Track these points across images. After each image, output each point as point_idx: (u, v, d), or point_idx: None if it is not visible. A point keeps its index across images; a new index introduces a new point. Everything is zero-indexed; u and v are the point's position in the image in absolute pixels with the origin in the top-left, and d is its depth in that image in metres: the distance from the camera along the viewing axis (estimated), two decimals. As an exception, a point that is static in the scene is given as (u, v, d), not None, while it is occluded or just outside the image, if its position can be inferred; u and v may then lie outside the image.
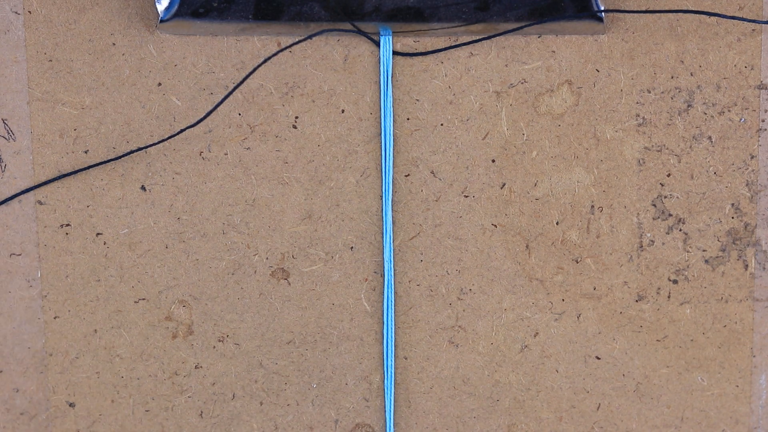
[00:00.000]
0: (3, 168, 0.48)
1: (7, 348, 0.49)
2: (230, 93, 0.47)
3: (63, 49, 0.47)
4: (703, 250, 0.49)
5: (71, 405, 0.50)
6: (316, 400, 0.50)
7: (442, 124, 0.48)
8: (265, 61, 0.47)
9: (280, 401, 0.50)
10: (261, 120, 0.48)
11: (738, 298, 0.49)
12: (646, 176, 0.48)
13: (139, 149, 0.47)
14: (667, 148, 0.48)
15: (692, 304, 0.49)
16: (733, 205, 0.48)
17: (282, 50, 0.47)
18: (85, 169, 0.48)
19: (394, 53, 0.47)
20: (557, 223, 0.49)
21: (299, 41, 0.46)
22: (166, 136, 0.47)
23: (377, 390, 0.50)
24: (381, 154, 0.48)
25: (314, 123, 0.48)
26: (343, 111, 0.48)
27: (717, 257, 0.49)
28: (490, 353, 0.50)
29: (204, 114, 0.47)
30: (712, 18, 0.47)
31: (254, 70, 0.46)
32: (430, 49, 0.47)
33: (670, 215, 0.49)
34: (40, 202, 0.48)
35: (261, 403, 0.50)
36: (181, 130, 0.47)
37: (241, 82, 0.47)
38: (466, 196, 0.48)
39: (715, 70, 0.47)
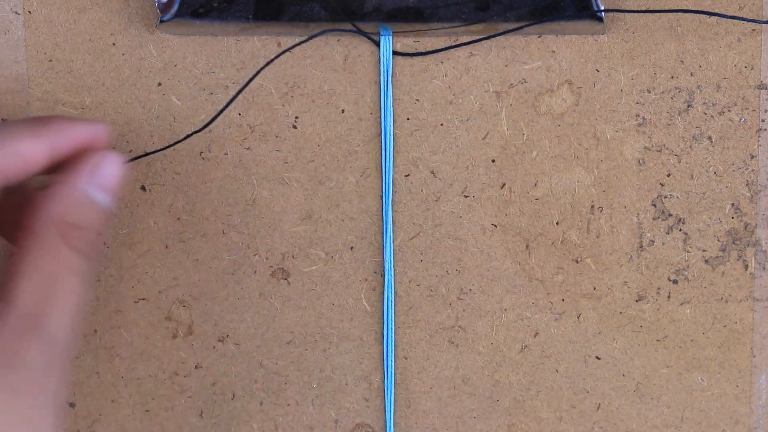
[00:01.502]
0: (3, 168, 0.48)
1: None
2: (234, 97, 0.47)
3: (63, 49, 0.47)
4: (703, 250, 0.49)
5: (71, 405, 0.50)
6: (316, 400, 0.50)
7: (442, 124, 0.48)
8: (267, 63, 0.47)
9: (280, 401, 0.50)
10: (261, 120, 0.48)
11: (738, 298, 0.49)
12: (646, 176, 0.48)
13: (149, 154, 0.47)
14: (667, 148, 0.48)
15: (692, 304, 0.49)
16: (733, 205, 0.48)
17: (284, 52, 0.47)
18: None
19: (394, 53, 0.47)
20: (557, 223, 0.49)
21: (300, 42, 0.46)
22: (173, 141, 0.47)
23: (377, 390, 0.50)
24: (381, 154, 0.48)
25: (314, 123, 0.48)
26: (343, 111, 0.48)
27: (717, 257, 0.49)
28: (490, 353, 0.50)
29: (210, 117, 0.47)
30: (712, 18, 0.47)
31: (257, 73, 0.46)
32: (430, 49, 0.47)
33: (670, 215, 0.49)
34: (40, 202, 0.48)
35: (261, 403, 0.50)
36: (187, 136, 0.47)
37: (245, 86, 0.47)
38: (466, 196, 0.48)
39: (715, 70, 0.47)
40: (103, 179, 0.38)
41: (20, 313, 0.35)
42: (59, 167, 0.39)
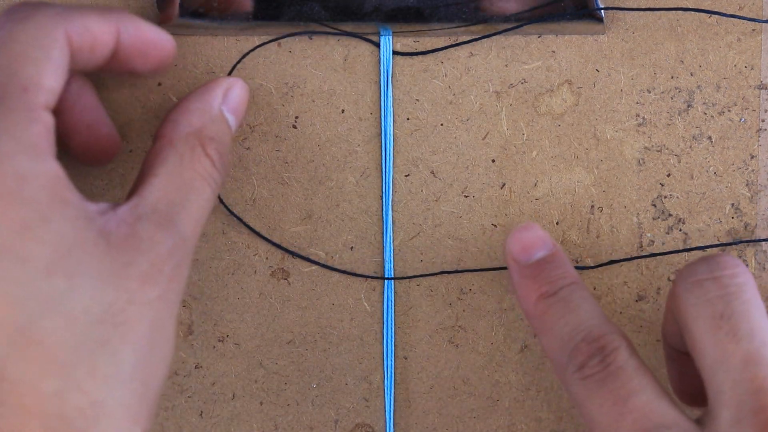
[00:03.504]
0: (3, 168, 0.48)
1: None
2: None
3: (63, 49, 0.47)
4: (703, 250, 0.49)
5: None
6: (316, 400, 0.50)
7: (442, 124, 0.48)
8: (242, 57, 0.47)
9: (280, 401, 0.50)
10: (261, 120, 0.48)
11: (738, 298, 0.49)
12: (646, 176, 0.48)
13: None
14: (667, 148, 0.48)
15: (692, 304, 0.49)
16: (733, 205, 0.48)
17: (256, 48, 0.47)
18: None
19: (394, 53, 0.47)
20: (557, 223, 0.49)
21: (276, 39, 0.46)
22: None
23: (377, 390, 0.50)
24: (381, 154, 0.48)
25: (314, 123, 0.48)
26: (343, 111, 0.48)
27: (717, 257, 0.49)
28: (490, 353, 0.50)
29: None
30: (712, 18, 0.47)
31: (236, 64, 0.47)
32: (430, 49, 0.47)
33: (670, 215, 0.49)
34: (40, 202, 0.48)
35: (261, 403, 0.50)
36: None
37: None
38: (466, 196, 0.48)
39: (715, 70, 0.47)
40: (232, 101, 0.42)
41: (154, 208, 0.36)
42: (123, 62, 0.41)
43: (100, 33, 0.39)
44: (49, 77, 0.36)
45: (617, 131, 0.48)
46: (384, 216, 0.48)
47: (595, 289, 0.49)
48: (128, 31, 0.40)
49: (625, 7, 0.47)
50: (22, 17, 0.37)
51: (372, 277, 0.49)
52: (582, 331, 0.39)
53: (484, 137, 0.48)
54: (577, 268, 0.48)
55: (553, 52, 0.47)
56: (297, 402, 0.50)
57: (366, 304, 0.49)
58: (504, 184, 0.48)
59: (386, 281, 0.48)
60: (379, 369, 0.50)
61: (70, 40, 0.38)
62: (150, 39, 0.41)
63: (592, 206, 0.48)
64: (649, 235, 0.49)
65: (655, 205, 0.48)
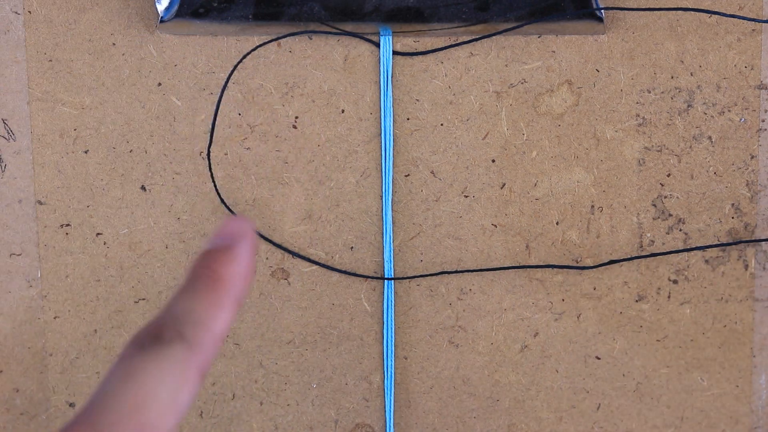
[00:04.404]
0: (3, 168, 0.48)
1: (7, 348, 0.50)
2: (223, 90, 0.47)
3: (63, 49, 0.47)
4: (703, 250, 0.49)
5: (71, 405, 0.50)
6: (316, 400, 0.50)
7: (442, 124, 0.48)
8: (244, 56, 0.47)
9: (280, 401, 0.50)
10: (261, 120, 0.48)
11: (738, 298, 0.49)
12: (646, 176, 0.48)
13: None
14: (667, 148, 0.48)
15: (692, 304, 0.49)
16: (733, 205, 0.48)
17: (255, 48, 0.47)
18: None
19: (394, 53, 0.47)
20: (557, 223, 0.49)
21: (275, 39, 0.46)
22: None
23: (377, 390, 0.50)
24: (381, 154, 0.48)
25: (314, 123, 0.48)
26: (343, 111, 0.48)
27: (717, 257, 0.49)
28: (490, 353, 0.50)
29: (210, 117, 0.47)
30: (712, 18, 0.47)
31: (238, 63, 0.47)
32: (430, 49, 0.47)
33: (670, 215, 0.49)
34: (40, 202, 0.48)
35: (261, 403, 0.50)
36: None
37: (230, 74, 0.47)
38: (466, 196, 0.48)
39: (715, 70, 0.47)
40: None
41: None
42: None
43: (224, 331, 0.31)
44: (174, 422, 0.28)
45: (617, 131, 0.48)
46: (384, 216, 0.48)
47: (595, 289, 0.49)
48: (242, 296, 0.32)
49: (625, 7, 0.47)
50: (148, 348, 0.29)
51: (372, 278, 0.49)
52: None
53: (484, 137, 0.48)
54: (577, 268, 0.49)
55: (553, 52, 0.47)
56: (297, 402, 0.50)
57: (366, 304, 0.49)
58: (504, 184, 0.48)
59: (386, 281, 0.48)
60: (379, 369, 0.50)
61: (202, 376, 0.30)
62: (249, 260, 0.31)
63: (592, 206, 0.48)
64: (649, 235, 0.49)
65: (655, 205, 0.48)
